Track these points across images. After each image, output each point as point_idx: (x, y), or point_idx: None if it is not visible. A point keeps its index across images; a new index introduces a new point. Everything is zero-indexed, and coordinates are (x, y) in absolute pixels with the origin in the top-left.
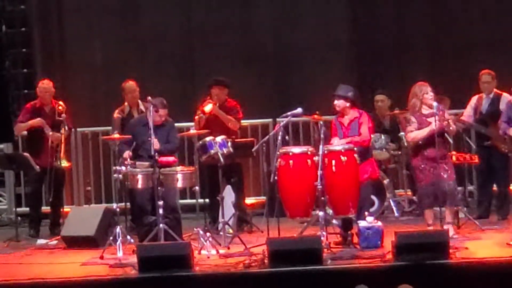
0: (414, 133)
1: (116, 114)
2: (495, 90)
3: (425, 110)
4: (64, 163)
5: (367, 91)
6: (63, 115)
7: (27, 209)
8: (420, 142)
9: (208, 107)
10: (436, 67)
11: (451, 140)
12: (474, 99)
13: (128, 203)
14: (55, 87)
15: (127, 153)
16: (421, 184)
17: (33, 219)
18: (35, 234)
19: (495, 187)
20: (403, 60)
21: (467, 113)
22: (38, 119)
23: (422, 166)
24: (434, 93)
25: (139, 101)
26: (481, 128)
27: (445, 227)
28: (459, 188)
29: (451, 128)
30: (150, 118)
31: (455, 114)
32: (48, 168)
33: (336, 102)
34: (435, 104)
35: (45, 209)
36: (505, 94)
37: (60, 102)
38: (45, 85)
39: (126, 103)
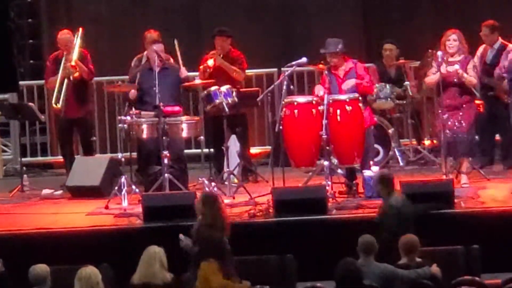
0: (427, 78)
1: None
2: (501, 40)
3: (451, 58)
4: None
5: (373, 40)
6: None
7: (32, 159)
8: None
9: (211, 61)
10: (442, 17)
11: None
12: (480, 49)
13: (133, 153)
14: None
15: (133, 92)
16: (436, 130)
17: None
18: None
19: (497, 137)
20: (409, 9)
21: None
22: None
23: (439, 111)
24: (460, 42)
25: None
26: (485, 78)
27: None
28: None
29: (466, 79)
30: (155, 65)
31: None
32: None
33: (333, 59)
34: (439, 53)
35: (50, 159)
36: (510, 46)
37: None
38: (63, 35)
39: (145, 53)
